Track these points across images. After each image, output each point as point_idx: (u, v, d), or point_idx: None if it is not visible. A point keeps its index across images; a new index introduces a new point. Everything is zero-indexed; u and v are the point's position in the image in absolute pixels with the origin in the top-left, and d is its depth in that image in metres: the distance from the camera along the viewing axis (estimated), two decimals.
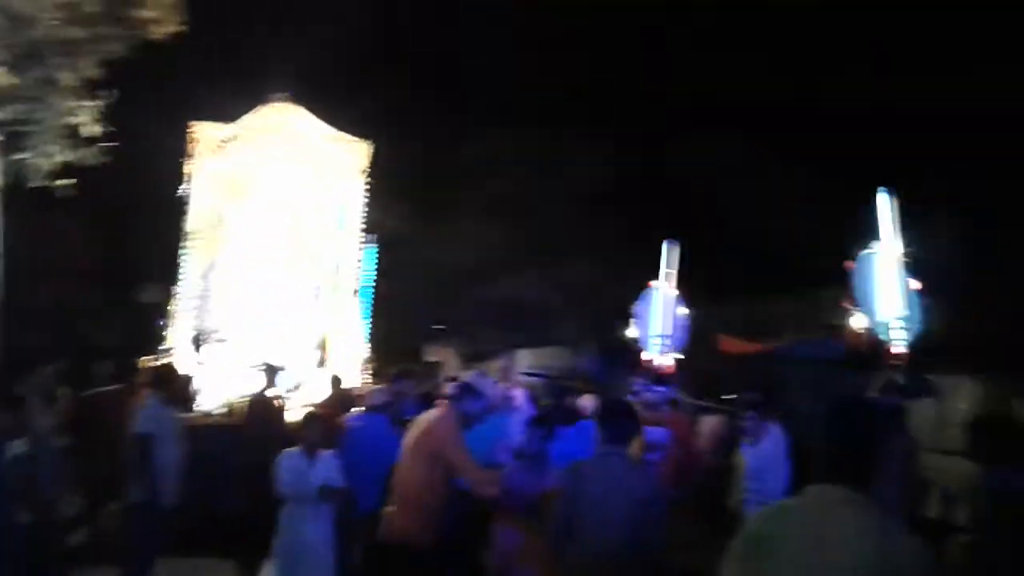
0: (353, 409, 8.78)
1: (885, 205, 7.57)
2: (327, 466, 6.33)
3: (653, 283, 10.75)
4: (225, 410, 10.08)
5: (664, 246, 10.62)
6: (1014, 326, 10.38)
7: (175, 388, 6.64)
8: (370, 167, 11.99)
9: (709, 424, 10.54)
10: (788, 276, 15.59)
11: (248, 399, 9.22)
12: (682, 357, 10.38)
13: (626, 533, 4.07)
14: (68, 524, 8.51)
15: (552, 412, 7.94)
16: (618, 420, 4.41)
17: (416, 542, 5.11)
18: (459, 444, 5.17)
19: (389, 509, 5.29)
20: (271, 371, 9.08)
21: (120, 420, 6.45)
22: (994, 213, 11.92)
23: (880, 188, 7.71)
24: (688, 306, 11.00)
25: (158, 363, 9.70)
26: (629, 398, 9.03)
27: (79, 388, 11.47)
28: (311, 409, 7.55)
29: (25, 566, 4.78)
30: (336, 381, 9.61)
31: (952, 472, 6.17)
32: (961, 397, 11.11)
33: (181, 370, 10.25)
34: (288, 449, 6.44)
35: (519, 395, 8.76)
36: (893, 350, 7.10)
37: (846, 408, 2.76)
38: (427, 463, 5.11)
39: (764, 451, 6.53)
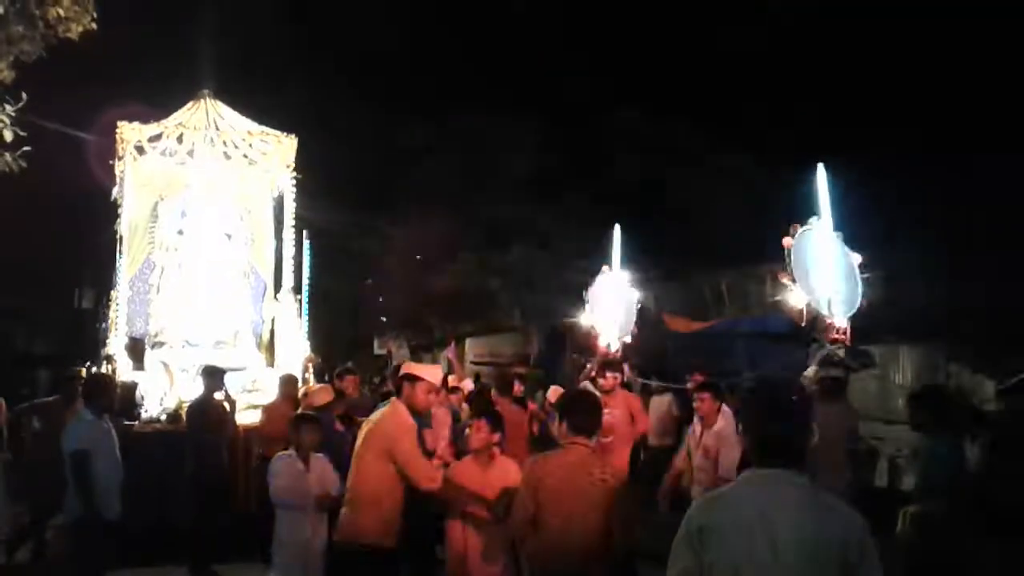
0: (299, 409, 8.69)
1: (823, 180, 7.63)
2: (322, 470, 6.11)
3: (605, 267, 10.75)
4: (169, 417, 9.86)
5: (615, 229, 10.64)
6: (951, 297, 10.62)
7: (109, 398, 6.44)
8: (303, 162, 11.85)
9: (659, 404, 10.63)
10: (729, 253, 15.74)
11: (189, 405, 9.06)
12: (632, 339, 10.42)
13: (590, 524, 4.07)
14: (12, 540, 8.33)
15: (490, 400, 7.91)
16: (582, 412, 4.39)
17: (374, 542, 5.04)
18: (408, 439, 5.11)
19: (344, 510, 5.23)
20: (211, 374, 8.89)
21: (58, 433, 6.26)
22: (933, 185, 12.15)
23: (819, 162, 7.77)
24: (633, 287, 11.05)
25: (91, 373, 9.45)
26: (586, 384, 9.08)
27: (15, 399, 11.19)
28: (307, 410, 7.39)
29: None
30: (285, 381, 9.46)
31: (897, 441, 6.31)
32: (901, 368, 11.38)
33: (121, 377, 10.03)
34: (280, 453, 6.27)
35: (467, 384, 8.76)
36: (833, 323, 7.18)
37: (767, 391, 2.77)
38: (380, 461, 5.05)
39: (717, 431, 6.59)
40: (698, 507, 2.66)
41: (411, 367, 5.55)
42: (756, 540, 2.46)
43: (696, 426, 6.97)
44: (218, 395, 8.94)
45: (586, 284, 11.11)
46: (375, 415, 5.36)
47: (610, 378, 7.72)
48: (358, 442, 5.27)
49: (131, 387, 10.05)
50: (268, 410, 9.10)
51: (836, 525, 2.48)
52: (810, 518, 2.47)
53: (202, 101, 11.67)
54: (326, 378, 10.46)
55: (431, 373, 5.44)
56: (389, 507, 5.07)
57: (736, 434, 6.47)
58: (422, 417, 6.62)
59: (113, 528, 6.17)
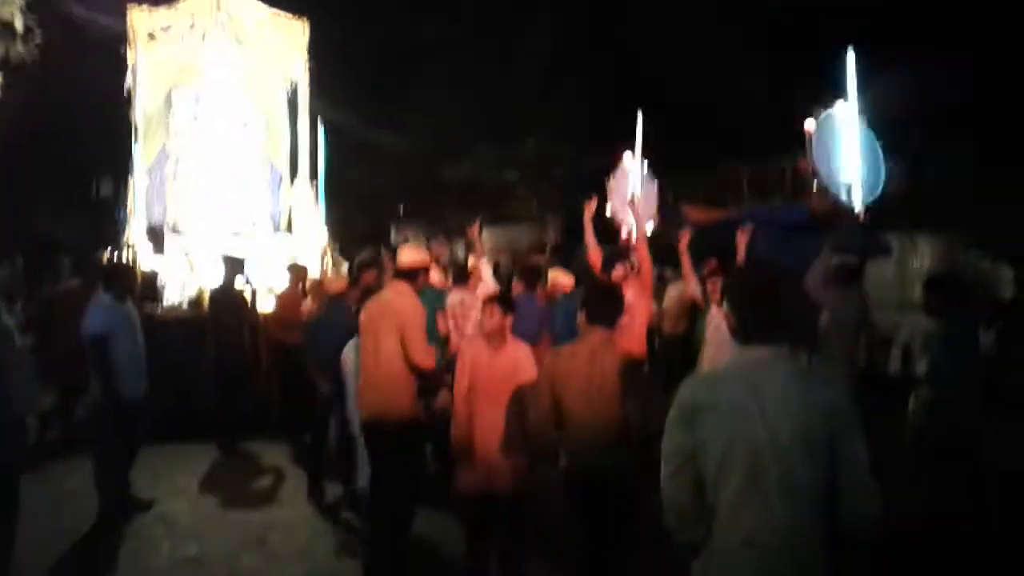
0: (314, 297, 8.83)
1: (851, 63, 7.38)
2: None
3: (627, 154, 10.60)
4: (190, 304, 10.01)
5: (638, 116, 10.45)
6: (973, 183, 10.43)
7: (128, 283, 6.53)
8: (316, 51, 11.67)
9: (672, 292, 10.65)
10: (749, 141, 15.50)
11: (211, 292, 9.20)
12: (653, 228, 10.36)
13: (613, 409, 4.13)
14: (42, 420, 8.62)
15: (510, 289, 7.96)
16: (600, 301, 4.39)
17: (404, 415, 5.27)
18: (419, 320, 5.32)
19: (365, 388, 5.37)
20: (232, 263, 9.00)
21: (80, 317, 6.37)
22: (959, 67, 11.79)
23: (846, 45, 7.51)
24: (653, 176, 10.92)
25: (109, 259, 9.58)
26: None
27: (38, 285, 11.33)
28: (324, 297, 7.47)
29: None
30: (294, 270, 9.55)
31: (912, 327, 6.30)
32: (919, 255, 11.31)
33: (142, 264, 10.15)
34: (349, 346, 6.37)
35: (485, 267, 8.79)
36: (853, 210, 7.09)
37: (755, 274, 2.83)
38: (396, 338, 5.21)
39: None
40: (690, 387, 2.69)
41: (404, 257, 5.64)
42: (748, 416, 2.52)
43: (713, 311, 6.97)
44: (238, 283, 9.08)
45: (606, 173, 10.99)
46: (384, 296, 5.52)
47: (619, 269, 7.70)
48: (367, 322, 5.42)
49: (152, 276, 10.19)
50: (280, 298, 9.26)
51: (823, 399, 2.54)
52: (799, 393, 2.53)
53: None
54: (347, 265, 10.54)
55: (421, 259, 5.62)
56: (411, 381, 5.27)
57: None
58: (438, 300, 6.75)
59: (137, 407, 6.33)
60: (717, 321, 6.83)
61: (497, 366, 4.77)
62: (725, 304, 2.78)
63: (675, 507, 2.67)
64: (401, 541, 5.45)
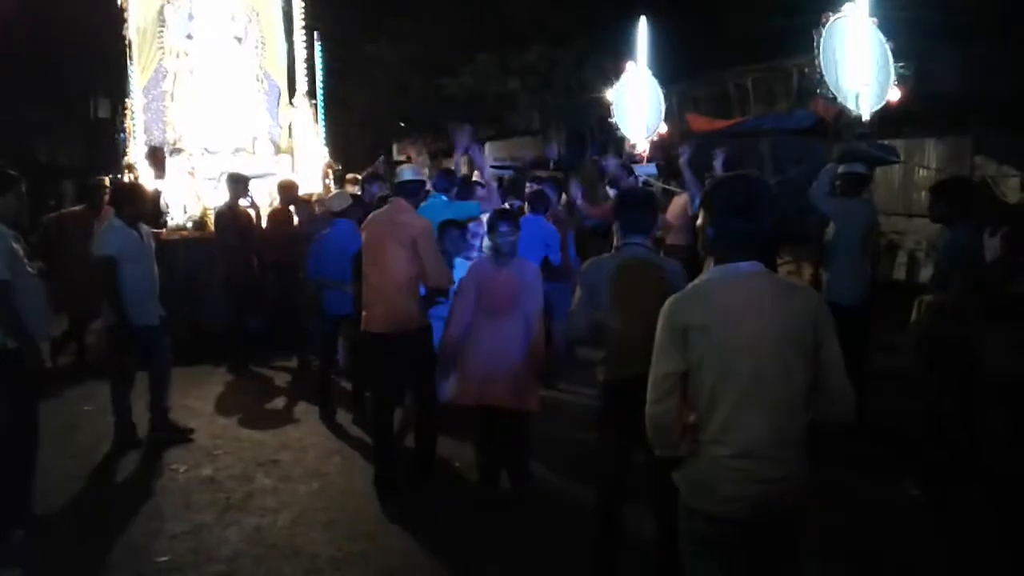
0: (312, 214, 8.82)
1: None
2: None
3: (630, 64, 10.41)
4: (195, 224, 9.99)
5: (641, 23, 10.21)
6: (982, 87, 10.21)
7: (137, 206, 6.45)
8: None
9: (675, 204, 10.60)
10: (756, 48, 15.13)
11: (215, 211, 9.18)
12: (659, 139, 10.25)
13: (654, 319, 4.04)
14: (55, 345, 8.69)
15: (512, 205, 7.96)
16: (635, 211, 4.18)
17: (407, 327, 5.38)
18: (431, 235, 5.44)
19: (378, 300, 5.41)
20: (236, 181, 8.95)
21: (87, 241, 6.35)
22: None
23: None
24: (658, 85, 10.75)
25: (118, 182, 9.52)
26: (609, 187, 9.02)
27: (43, 210, 11.29)
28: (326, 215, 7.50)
29: (16, 389, 4.83)
30: (284, 187, 9.50)
31: (917, 234, 6.28)
32: (926, 161, 11.20)
33: (146, 185, 10.09)
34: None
35: (491, 186, 8.76)
36: (860, 117, 6.99)
37: (731, 188, 2.78)
38: (407, 251, 5.29)
39: None
40: (676, 307, 2.69)
41: (404, 174, 5.75)
42: (740, 328, 2.58)
43: None
44: (243, 202, 9.05)
45: (609, 83, 10.82)
46: (387, 212, 5.60)
47: (630, 178, 7.68)
48: (371, 238, 5.49)
49: (155, 195, 10.14)
50: (269, 216, 9.27)
51: (807, 307, 2.63)
52: (785, 304, 2.61)
53: None
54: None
55: (420, 175, 5.85)
56: (418, 292, 5.41)
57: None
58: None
59: (152, 334, 6.35)
60: None
61: (501, 282, 4.77)
62: (701, 218, 2.75)
63: (661, 429, 2.73)
64: (425, 452, 5.61)
